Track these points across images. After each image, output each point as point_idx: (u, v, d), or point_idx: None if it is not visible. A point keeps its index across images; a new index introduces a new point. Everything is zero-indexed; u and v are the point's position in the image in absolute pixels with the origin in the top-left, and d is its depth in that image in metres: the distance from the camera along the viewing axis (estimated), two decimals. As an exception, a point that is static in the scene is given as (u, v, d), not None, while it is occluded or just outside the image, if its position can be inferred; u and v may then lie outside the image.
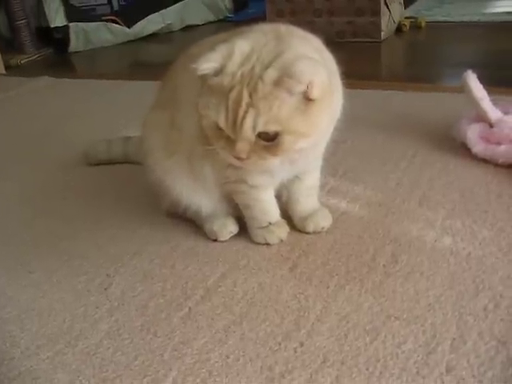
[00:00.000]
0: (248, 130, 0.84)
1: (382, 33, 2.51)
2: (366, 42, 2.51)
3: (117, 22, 3.05)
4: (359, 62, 2.24)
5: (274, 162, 0.88)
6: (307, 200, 1.09)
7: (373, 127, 1.55)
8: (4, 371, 0.85)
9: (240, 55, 0.85)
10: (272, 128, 0.84)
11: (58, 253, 1.13)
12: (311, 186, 1.09)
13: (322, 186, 1.21)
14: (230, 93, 0.84)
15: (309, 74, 0.82)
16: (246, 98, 0.83)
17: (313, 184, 1.09)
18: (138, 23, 3.11)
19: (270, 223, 1.06)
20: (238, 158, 0.87)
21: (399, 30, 2.66)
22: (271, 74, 0.82)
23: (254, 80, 0.83)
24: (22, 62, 2.83)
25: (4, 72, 2.70)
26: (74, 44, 2.96)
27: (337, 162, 1.35)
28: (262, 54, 0.85)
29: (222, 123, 0.86)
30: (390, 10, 2.55)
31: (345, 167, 1.33)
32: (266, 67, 0.83)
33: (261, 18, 2.86)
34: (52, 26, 2.89)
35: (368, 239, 1.05)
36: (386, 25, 2.54)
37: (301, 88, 0.82)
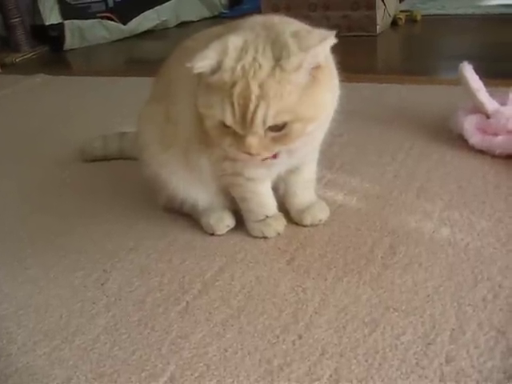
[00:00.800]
0: (259, 124, 0.82)
1: (378, 26, 2.50)
2: (362, 35, 2.50)
3: (112, 19, 3.04)
4: (355, 56, 2.23)
5: (292, 145, 0.88)
6: (304, 193, 1.09)
7: (369, 120, 1.54)
8: (1, 367, 0.85)
9: (234, 49, 0.84)
10: (283, 118, 0.83)
11: (54, 249, 1.12)
12: (308, 179, 1.09)
13: (319, 179, 1.20)
14: (234, 88, 0.82)
15: (317, 40, 0.83)
16: (255, 91, 0.81)
17: (310, 177, 1.09)
18: (133, 20, 3.10)
19: (267, 216, 1.05)
20: (249, 154, 0.86)
21: (395, 23, 2.65)
22: (294, 61, 0.81)
23: (262, 71, 0.81)
24: (18, 60, 2.82)
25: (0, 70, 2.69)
26: (70, 41, 2.95)
27: (334, 154, 1.35)
28: (258, 45, 0.84)
29: (228, 120, 0.84)
30: (385, 4, 2.54)
31: (342, 160, 1.33)
32: (276, 57, 0.82)
33: (256, 13, 2.85)
34: (47, 23, 2.88)
35: (366, 231, 1.04)
36: (382, 18, 2.53)
37: (324, 52, 0.84)
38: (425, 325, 0.81)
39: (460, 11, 2.75)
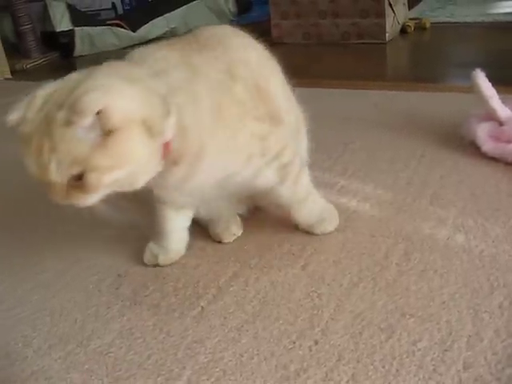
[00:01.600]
0: (55, 176, 0.79)
1: (387, 34, 2.50)
2: (371, 43, 2.50)
3: (122, 26, 3.06)
4: (364, 64, 2.24)
5: (92, 198, 0.82)
6: (305, 207, 1.06)
7: (380, 127, 1.54)
8: (17, 371, 0.85)
9: (40, 99, 0.80)
10: (75, 171, 0.78)
11: (68, 253, 1.12)
12: (298, 200, 1.04)
13: (332, 185, 1.21)
14: (32, 141, 0.79)
15: (94, 105, 0.75)
16: (46, 145, 0.77)
17: (297, 198, 1.04)
18: (143, 27, 3.11)
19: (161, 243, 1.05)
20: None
21: (404, 31, 2.65)
22: (62, 115, 0.76)
23: (52, 124, 0.77)
24: (28, 66, 2.84)
25: (10, 76, 2.70)
26: (80, 48, 2.97)
27: (346, 161, 1.35)
28: (59, 96, 0.79)
29: (32, 173, 0.81)
30: (394, 12, 2.55)
31: (354, 167, 1.33)
32: (59, 109, 0.77)
33: (265, 21, 2.87)
34: (57, 30, 2.89)
35: (380, 238, 1.04)
36: (391, 26, 2.53)
37: (87, 121, 0.75)
38: (441, 331, 0.81)
39: (469, 19, 2.75)
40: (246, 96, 0.92)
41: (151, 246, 1.06)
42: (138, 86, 0.82)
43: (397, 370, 0.75)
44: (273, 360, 0.80)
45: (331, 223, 1.08)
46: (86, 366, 0.84)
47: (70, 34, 2.93)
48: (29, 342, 0.91)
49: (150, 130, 0.81)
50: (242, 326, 0.87)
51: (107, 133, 0.77)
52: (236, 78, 0.91)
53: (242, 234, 1.10)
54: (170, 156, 0.86)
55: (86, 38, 2.98)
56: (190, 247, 1.08)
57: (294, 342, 0.82)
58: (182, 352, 0.84)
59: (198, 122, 0.86)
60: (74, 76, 0.83)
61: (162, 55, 0.89)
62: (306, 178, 1.05)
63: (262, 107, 0.94)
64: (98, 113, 0.75)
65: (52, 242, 1.18)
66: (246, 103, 0.91)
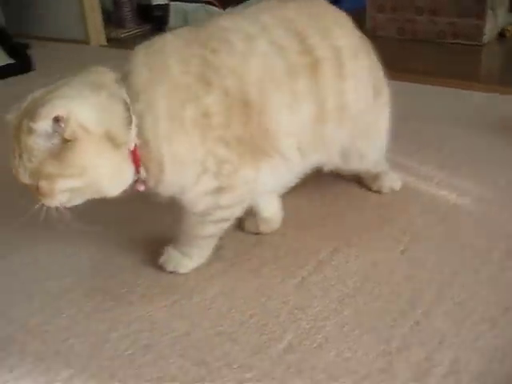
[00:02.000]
0: (23, 179, 0.82)
1: (484, 36, 2.44)
2: (467, 44, 2.45)
3: (214, 5, 3.10)
4: (460, 64, 2.20)
5: (53, 201, 0.83)
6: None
7: (476, 128, 1.52)
8: (123, 313, 0.90)
9: (25, 104, 0.83)
10: (34, 179, 0.81)
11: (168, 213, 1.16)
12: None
13: (431, 178, 1.22)
14: (11, 144, 0.82)
15: (51, 111, 0.77)
16: (16, 150, 0.80)
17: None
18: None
19: None
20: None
21: (502, 35, 2.58)
22: (25, 123, 0.79)
23: (18, 131, 0.80)
24: (122, 35, 2.93)
25: (105, 44, 2.80)
26: (173, 22, 3.03)
27: (444, 156, 1.34)
28: (33, 104, 0.81)
29: (13, 169, 0.83)
30: (495, 14, 2.49)
31: (452, 163, 1.31)
32: (26, 116, 0.80)
33: (358, 11, 2.85)
34: (153, 3, 2.98)
35: (481, 232, 1.04)
36: (490, 29, 2.47)
37: (43, 127, 0.77)
38: (548, 329, 0.81)
39: None
40: (218, 109, 0.85)
41: (252, 215, 1.08)
42: (103, 95, 0.82)
43: (500, 361, 0.75)
44: (374, 334, 0.81)
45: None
46: (190, 318, 0.88)
47: (164, 7, 3.01)
48: (133, 288, 0.96)
49: (113, 140, 0.82)
50: (344, 299, 0.89)
51: (64, 141, 0.79)
52: (212, 86, 0.85)
53: (341, 214, 1.12)
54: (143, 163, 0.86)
55: (179, 13, 3.04)
56: (289, 219, 1.10)
57: (395, 320, 0.84)
58: (283, 316, 0.86)
59: (156, 133, 0.84)
60: (58, 83, 0.85)
61: (133, 54, 0.89)
62: (219, 227, 0.96)
63: (239, 128, 0.87)
64: (57, 120, 0.77)
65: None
66: (213, 116, 0.85)
